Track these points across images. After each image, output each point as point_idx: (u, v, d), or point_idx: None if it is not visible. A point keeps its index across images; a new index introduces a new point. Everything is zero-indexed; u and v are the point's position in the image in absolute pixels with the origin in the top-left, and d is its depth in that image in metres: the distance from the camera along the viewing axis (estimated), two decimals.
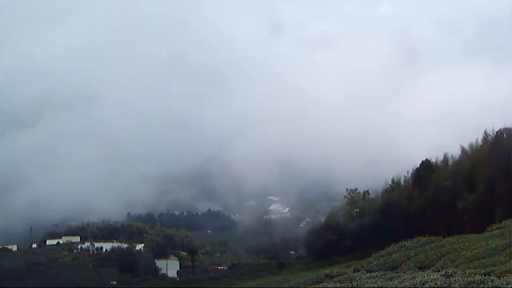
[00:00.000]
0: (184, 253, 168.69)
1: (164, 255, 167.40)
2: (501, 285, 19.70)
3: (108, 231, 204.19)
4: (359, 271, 36.79)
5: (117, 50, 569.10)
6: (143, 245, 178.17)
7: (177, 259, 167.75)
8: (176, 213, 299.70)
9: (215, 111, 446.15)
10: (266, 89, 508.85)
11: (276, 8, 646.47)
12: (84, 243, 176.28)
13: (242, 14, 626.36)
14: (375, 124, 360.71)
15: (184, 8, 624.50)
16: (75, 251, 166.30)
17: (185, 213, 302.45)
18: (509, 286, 18.82)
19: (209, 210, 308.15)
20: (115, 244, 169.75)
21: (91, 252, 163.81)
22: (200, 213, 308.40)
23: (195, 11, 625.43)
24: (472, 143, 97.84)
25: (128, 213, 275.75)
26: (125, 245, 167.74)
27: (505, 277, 21.23)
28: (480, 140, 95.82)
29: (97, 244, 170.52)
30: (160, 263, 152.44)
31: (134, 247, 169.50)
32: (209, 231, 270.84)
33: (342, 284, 29.92)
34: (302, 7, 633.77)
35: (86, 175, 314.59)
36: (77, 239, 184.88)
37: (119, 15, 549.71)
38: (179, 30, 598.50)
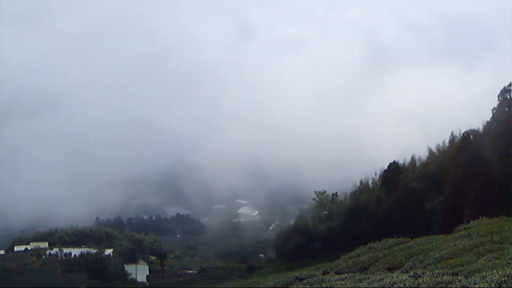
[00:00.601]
0: (153, 258, 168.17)
1: (133, 260, 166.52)
2: (468, 285, 19.82)
3: (77, 237, 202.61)
4: (328, 273, 36.85)
5: (83, 54, 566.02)
6: (112, 250, 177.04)
7: (146, 263, 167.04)
8: (145, 217, 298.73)
9: (183, 114, 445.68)
10: (234, 93, 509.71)
11: (245, 12, 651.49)
12: (52, 249, 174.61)
13: (211, 18, 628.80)
14: (344, 126, 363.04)
15: (152, 11, 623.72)
16: (43, 257, 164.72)
17: (154, 218, 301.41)
18: (477, 286, 18.95)
19: (178, 214, 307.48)
20: (84, 250, 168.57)
21: (60, 257, 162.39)
22: (169, 217, 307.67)
23: (163, 14, 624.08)
24: (439, 144, 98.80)
25: (97, 218, 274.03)
26: (94, 250, 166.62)
27: (472, 277, 21.36)
28: (447, 142, 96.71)
29: (65, 250, 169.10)
30: (129, 268, 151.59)
31: (103, 252, 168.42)
32: (178, 235, 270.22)
33: (311, 287, 29.91)
34: (271, 11, 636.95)
35: (52, 180, 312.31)
36: (45, 245, 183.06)
37: (85, 19, 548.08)
38: (146, 33, 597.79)
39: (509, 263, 24.16)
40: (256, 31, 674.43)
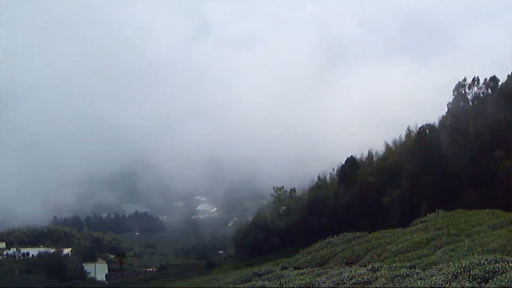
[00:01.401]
0: (112, 256, 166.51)
1: (92, 259, 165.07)
2: (425, 277, 19.99)
3: (34, 236, 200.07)
4: (287, 268, 36.93)
5: (35, 49, 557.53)
6: (70, 249, 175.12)
7: (105, 262, 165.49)
8: (103, 215, 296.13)
9: (139, 110, 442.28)
10: (192, 88, 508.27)
11: (201, 8, 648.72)
12: (9, 249, 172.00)
13: (167, 13, 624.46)
14: (301, 122, 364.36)
15: (106, 6, 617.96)
16: (0, 257, 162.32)
17: (112, 216, 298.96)
18: (434, 278, 19.12)
19: (136, 212, 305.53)
20: (42, 249, 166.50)
21: (17, 258, 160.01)
22: (127, 215, 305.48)
23: (117, 9, 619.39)
24: (395, 139, 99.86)
25: (55, 217, 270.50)
26: (52, 250, 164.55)
27: (429, 270, 21.56)
28: (403, 136, 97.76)
29: (23, 250, 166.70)
30: (88, 267, 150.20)
31: (61, 251, 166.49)
32: (137, 233, 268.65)
33: (270, 282, 29.93)
34: (227, 7, 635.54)
35: (7, 180, 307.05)
36: (2, 245, 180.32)
37: (38, 14, 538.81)
38: (100, 28, 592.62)
39: (465, 255, 24.47)
40: (213, 27, 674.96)
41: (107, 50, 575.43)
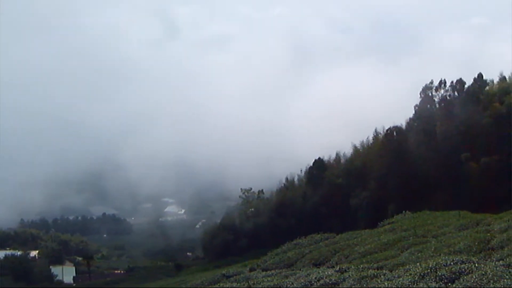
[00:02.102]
0: (80, 258, 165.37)
1: (59, 261, 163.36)
2: (393, 278, 20.11)
3: (1, 239, 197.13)
4: (255, 270, 36.90)
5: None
6: (37, 251, 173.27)
7: (72, 264, 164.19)
8: (71, 218, 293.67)
9: (107, 110, 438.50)
10: (160, 89, 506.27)
11: (170, 9, 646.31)
12: None
13: (136, 15, 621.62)
14: (269, 123, 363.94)
15: (74, 6, 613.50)
16: None
17: (79, 218, 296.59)
18: (401, 279, 19.25)
19: (104, 214, 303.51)
20: (8, 252, 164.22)
21: None
22: (95, 217, 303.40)
23: (85, 9, 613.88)
24: (363, 141, 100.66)
25: (21, 219, 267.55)
26: (19, 253, 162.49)
27: (396, 271, 21.70)
28: (371, 138, 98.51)
29: None
30: (55, 270, 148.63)
31: (28, 254, 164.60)
32: (104, 235, 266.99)
33: (238, 284, 29.91)
34: (197, 9, 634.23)
35: None
36: None
37: (5, 13, 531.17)
38: (70, 28, 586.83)
39: (432, 256, 24.64)
40: (182, 28, 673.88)
41: (76, 50, 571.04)
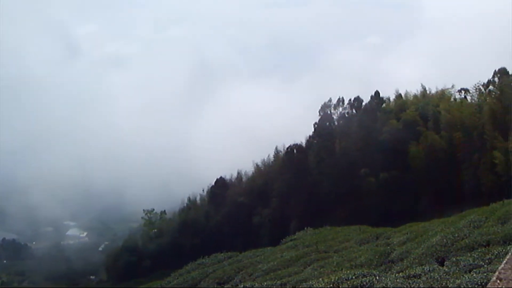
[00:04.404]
0: None
1: None
2: None
3: None
4: None
5: None
6: None
7: None
8: None
9: (3, 130, 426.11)
10: (59, 109, 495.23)
11: (69, 29, 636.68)
12: None
13: (34, 34, 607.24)
14: (170, 143, 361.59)
15: None
16: None
17: None
18: None
19: (3, 239, 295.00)
20: None
21: None
22: None
23: None
24: (264, 159, 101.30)
25: None
26: None
27: (300, 287, 21.84)
28: (272, 156, 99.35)
29: None
30: None
31: None
32: (4, 261, 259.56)
33: None
34: (96, 29, 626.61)
35: None
36: None
37: None
38: None
39: (334, 271, 24.92)
40: (82, 48, 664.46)
41: None
